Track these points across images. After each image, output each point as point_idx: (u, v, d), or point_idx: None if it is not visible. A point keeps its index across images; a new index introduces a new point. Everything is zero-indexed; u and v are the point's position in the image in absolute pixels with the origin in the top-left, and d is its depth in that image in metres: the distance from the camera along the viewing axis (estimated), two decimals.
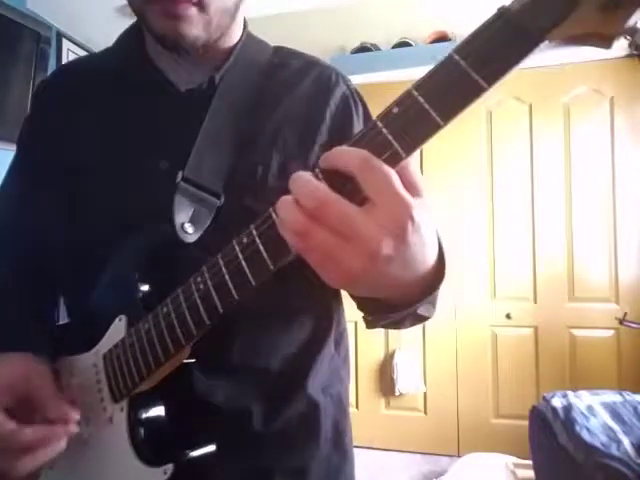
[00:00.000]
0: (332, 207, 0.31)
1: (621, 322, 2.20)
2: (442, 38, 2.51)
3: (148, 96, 0.58)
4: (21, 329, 0.58)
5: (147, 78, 0.58)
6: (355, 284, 0.35)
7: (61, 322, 0.63)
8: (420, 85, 0.32)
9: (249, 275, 0.38)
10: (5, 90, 2.16)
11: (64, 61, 3.03)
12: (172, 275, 0.47)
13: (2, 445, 0.45)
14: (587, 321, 2.46)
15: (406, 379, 2.59)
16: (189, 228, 0.50)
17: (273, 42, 0.68)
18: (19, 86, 2.23)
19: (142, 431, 0.47)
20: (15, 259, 0.64)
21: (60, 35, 3.00)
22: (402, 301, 0.42)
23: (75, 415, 0.48)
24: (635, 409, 1.74)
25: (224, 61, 0.59)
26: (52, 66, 2.75)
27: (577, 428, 1.62)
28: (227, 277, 0.40)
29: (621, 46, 2.44)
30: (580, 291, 2.48)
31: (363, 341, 2.69)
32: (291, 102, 0.59)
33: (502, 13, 0.30)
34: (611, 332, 2.42)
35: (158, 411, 0.48)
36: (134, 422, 0.47)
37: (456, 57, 0.31)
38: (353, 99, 0.62)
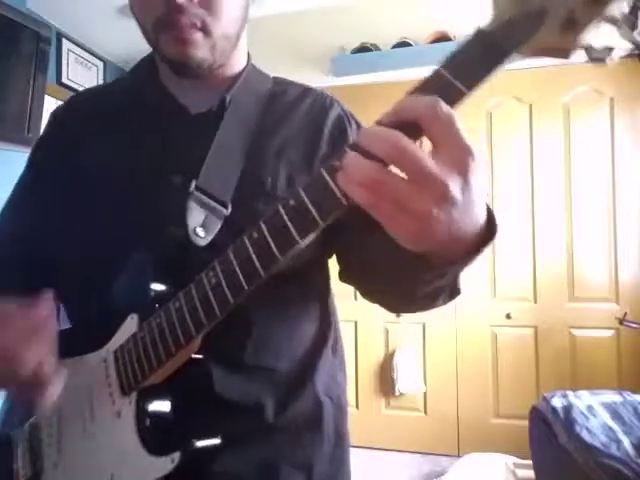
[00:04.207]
0: (407, 151, 0.33)
1: (621, 322, 2.20)
2: (442, 38, 2.51)
3: (161, 119, 0.63)
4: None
5: (160, 102, 0.64)
6: (424, 234, 0.35)
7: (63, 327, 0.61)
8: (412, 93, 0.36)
9: (258, 266, 0.41)
10: (5, 90, 2.16)
11: (64, 61, 3.04)
12: (184, 276, 0.49)
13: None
14: (587, 321, 2.46)
15: (406, 379, 2.59)
16: (201, 232, 0.55)
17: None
18: (19, 86, 2.23)
19: (149, 422, 0.48)
20: (16, 268, 0.67)
21: (60, 35, 3.00)
22: (447, 261, 0.42)
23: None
24: (635, 409, 1.74)
25: (231, 86, 0.65)
26: (52, 66, 2.75)
27: (577, 428, 1.62)
28: (237, 268, 0.43)
29: (621, 47, 2.45)
30: (580, 291, 2.48)
31: (363, 341, 2.69)
32: (292, 123, 0.65)
33: (479, 33, 0.36)
34: (611, 332, 2.42)
35: (166, 403, 0.49)
36: (142, 414, 0.49)
37: (441, 70, 0.36)
38: (347, 118, 0.68)
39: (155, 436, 0.48)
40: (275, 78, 0.72)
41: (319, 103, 0.68)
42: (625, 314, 2.23)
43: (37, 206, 0.68)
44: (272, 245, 0.40)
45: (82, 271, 0.62)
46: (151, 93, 0.66)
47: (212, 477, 0.53)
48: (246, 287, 0.42)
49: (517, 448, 2.23)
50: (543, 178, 2.52)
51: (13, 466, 0.57)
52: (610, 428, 1.62)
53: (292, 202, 0.40)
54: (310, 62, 2.58)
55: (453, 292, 0.57)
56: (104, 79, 3.42)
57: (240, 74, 0.67)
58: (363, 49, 2.66)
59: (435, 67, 0.36)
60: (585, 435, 1.58)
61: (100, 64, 3.38)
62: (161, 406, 0.49)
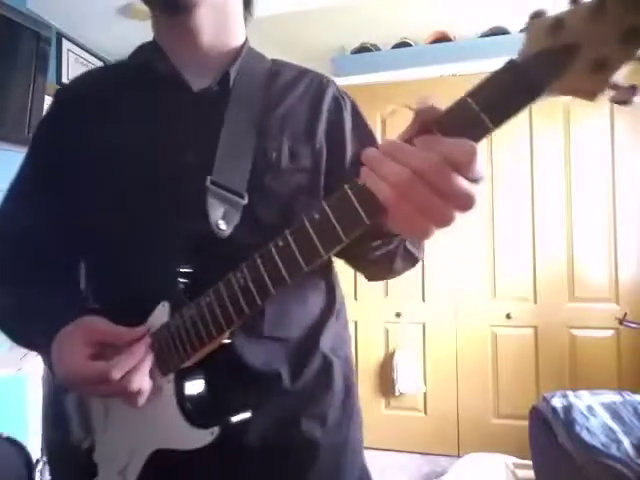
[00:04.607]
0: (445, 172, 0.37)
1: (621, 322, 2.20)
2: (442, 38, 2.51)
3: (165, 93, 0.65)
4: (62, 308, 0.62)
5: (164, 77, 0.66)
6: (430, 232, 0.40)
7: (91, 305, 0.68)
8: (438, 122, 0.39)
9: (284, 273, 0.45)
10: (5, 90, 2.16)
11: (64, 61, 3.03)
12: (209, 267, 0.53)
13: (101, 383, 0.52)
14: (587, 321, 2.46)
15: (406, 379, 2.59)
16: (222, 225, 0.58)
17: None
18: (19, 86, 2.23)
19: (189, 399, 0.55)
20: (34, 253, 0.69)
21: (60, 35, 3.00)
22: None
23: (144, 331, 0.56)
24: (635, 409, 1.74)
25: (231, 61, 0.68)
26: (52, 66, 2.75)
27: (577, 428, 1.62)
28: (264, 273, 0.47)
29: None
30: (580, 291, 2.48)
31: (363, 341, 2.69)
32: (292, 100, 0.68)
33: (511, 65, 0.37)
34: (611, 332, 2.42)
35: (200, 382, 0.56)
36: (181, 391, 0.55)
37: (469, 100, 0.37)
38: (342, 98, 0.72)
39: (195, 410, 0.54)
40: (273, 59, 0.74)
41: (316, 81, 0.72)
42: (625, 314, 2.23)
43: (43, 191, 0.68)
44: (298, 255, 0.44)
45: (102, 254, 0.66)
46: (153, 69, 0.67)
47: (241, 436, 0.59)
48: (272, 291, 0.47)
49: (517, 448, 2.24)
50: (543, 178, 2.52)
51: (69, 432, 0.64)
52: (610, 428, 1.62)
53: (317, 216, 0.43)
54: (310, 62, 2.59)
55: (409, 256, 0.65)
56: None
57: (239, 50, 0.70)
58: (363, 49, 2.66)
59: (464, 96, 0.38)
60: (585, 435, 1.58)
61: (100, 64, 3.39)
62: (197, 384, 0.56)
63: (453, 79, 2.57)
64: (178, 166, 0.62)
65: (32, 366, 2.12)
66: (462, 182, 0.37)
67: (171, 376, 0.56)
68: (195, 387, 0.56)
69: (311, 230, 0.43)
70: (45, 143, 0.72)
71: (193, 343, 0.53)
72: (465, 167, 0.37)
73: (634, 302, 2.40)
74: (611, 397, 1.84)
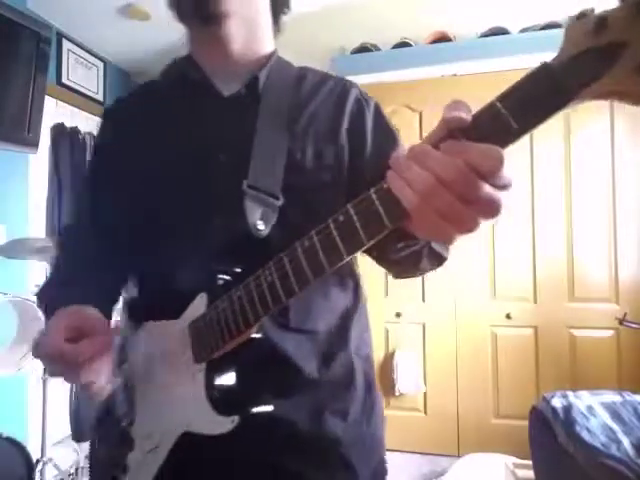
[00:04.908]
0: (472, 179, 0.37)
1: (621, 322, 2.20)
2: (442, 38, 2.51)
3: (198, 99, 0.71)
4: (87, 293, 0.67)
5: (196, 85, 0.72)
6: (453, 236, 0.41)
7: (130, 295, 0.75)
8: (464, 129, 0.38)
9: (307, 271, 0.47)
10: (5, 90, 2.16)
11: (64, 61, 3.03)
12: (246, 263, 0.58)
13: (66, 362, 0.56)
14: (587, 321, 2.46)
15: (406, 379, 2.59)
16: (261, 225, 0.61)
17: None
18: (19, 86, 2.23)
19: (216, 388, 0.59)
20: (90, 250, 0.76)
21: (60, 35, 3.00)
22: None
23: (110, 327, 0.60)
24: (635, 409, 1.74)
25: (260, 67, 0.72)
26: (52, 66, 2.75)
27: (577, 428, 1.62)
28: (290, 271, 0.49)
29: None
30: (580, 291, 2.48)
31: None
32: (317, 103, 0.72)
33: (544, 68, 0.35)
34: (611, 332, 2.42)
35: (230, 374, 0.59)
36: (210, 380, 0.59)
37: (498, 104, 0.37)
38: (364, 100, 0.75)
39: (220, 399, 0.58)
40: (300, 66, 0.79)
41: (340, 85, 0.75)
42: (625, 314, 2.23)
43: (106, 194, 0.76)
44: (321, 255, 0.46)
45: (147, 245, 0.70)
46: (187, 77, 0.73)
47: (271, 423, 0.62)
48: (297, 289, 0.49)
49: (517, 448, 2.24)
50: (543, 178, 2.52)
51: (115, 407, 0.70)
52: (610, 428, 1.62)
53: (341, 218, 0.44)
54: (310, 62, 2.60)
55: (435, 257, 0.65)
56: (104, 79, 3.42)
57: (268, 58, 0.74)
58: (363, 49, 2.66)
59: (493, 99, 0.37)
60: (585, 435, 1.58)
61: (100, 64, 3.38)
62: (226, 375, 0.59)
63: (453, 79, 2.57)
64: (212, 167, 0.66)
65: (32, 366, 2.12)
66: (487, 189, 0.37)
67: (203, 365, 0.60)
68: (223, 376, 0.59)
69: (335, 232, 0.44)
70: (102, 157, 0.81)
71: (223, 335, 0.57)
72: (491, 174, 0.37)
73: (634, 302, 2.40)
74: (611, 397, 1.84)
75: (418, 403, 2.65)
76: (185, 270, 0.63)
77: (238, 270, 0.59)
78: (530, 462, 1.90)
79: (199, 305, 0.62)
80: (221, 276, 0.60)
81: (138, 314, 0.72)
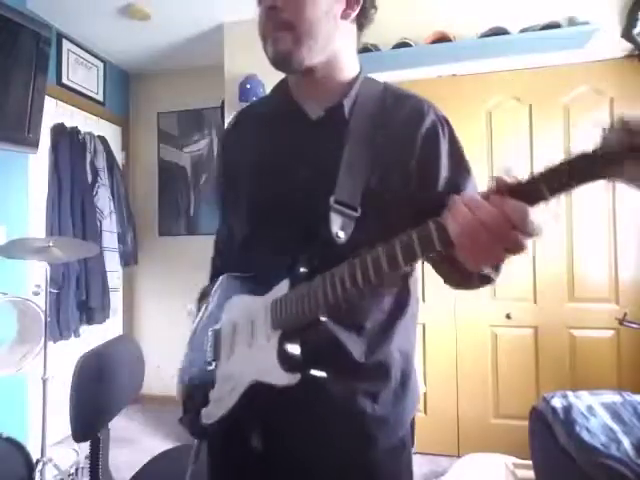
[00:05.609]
0: (503, 222, 0.51)
1: (621, 322, 2.19)
2: (442, 38, 2.50)
3: (290, 122, 0.84)
4: None
5: (287, 109, 0.85)
6: (484, 267, 0.59)
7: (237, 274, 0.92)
8: (510, 187, 0.52)
9: (371, 273, 0.61)
10: (5, 90, 2.16)
11: (64, 61, 3.04)
12: (323, 260, 0.70)
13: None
14: (587, 321, 2.46)
15: None
16: (341, 234, 0.72)
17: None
18: (19, 86, 2.23)
19: (285, 350, 0.72)
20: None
21: (60, 35, 3.00)
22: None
23: None
24: (635, 409, 1.74)
25: (345, 92, 0.82)
26: (52, 66, 2.75)
27: (577, 428, 1.62)
28: (358, 271, 0.63)
29: (621, 46, 2.44)
30: (580, 291, 2.48)
31: None
32: (392, 125, 0.80)
33: (586, 156, 0.51)
34: (611, 332, 2.42)
35: (297, 341, 0.73)
36: (282, 345, 0.73)
37: (541, 185, 0.50)
38: (440, 124, 0.81)
39: (287, 359, 0.71)
40: (385, 84, 0.87)
41: (418, 109, 0.82)
42: (625, 314, 2.22)
43: (226, 206, 0.98)
44: (384, 262, 0.60)
45: (251, 240, 0.87)
46: (281, 102, 0.87)
47: (318, 387, 0.72)
48: (361, 285, 0.63)
49: (517, 448, 2.24)
50: None
51: (204, 353, 0.87)
52: (610, 428, 1.62)
53: (405, 238, 0.58)
54: None
55: (484, 277, 0.73)
56: (104, 79, 3.42)
57: (353, 82, 0.84)
58: (363, 49, 2.66)
59: (539, 177, 0.50)
60: (585, 435, 1.58)
61: (100, 64, 3.38)
62: (294, 342, 0.73)
63: (453, 79, 2.57)
64: (300, 181, 0.78)
65: (32, 366, 2.13)
66: (514, 234, 0.51)
67: (279, 331, 0.74)
68: (292, 343, 0.73)
69: (397, 246, 0.59)
70: (221, 164, 0.98)
71: (298, 313, 0.70)
72: (519, 224, 0.50)
73: (634, 302, 2.40)
74: (611, 397, 1.84)
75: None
76: (276, 262, 0.77)
77: (315, 265, 0.72)
78: (530, 462, 1.90)
79: (283, 287, 0.76)
80: (302, 269, 0.74)
81: (235, 290, 0.88)
